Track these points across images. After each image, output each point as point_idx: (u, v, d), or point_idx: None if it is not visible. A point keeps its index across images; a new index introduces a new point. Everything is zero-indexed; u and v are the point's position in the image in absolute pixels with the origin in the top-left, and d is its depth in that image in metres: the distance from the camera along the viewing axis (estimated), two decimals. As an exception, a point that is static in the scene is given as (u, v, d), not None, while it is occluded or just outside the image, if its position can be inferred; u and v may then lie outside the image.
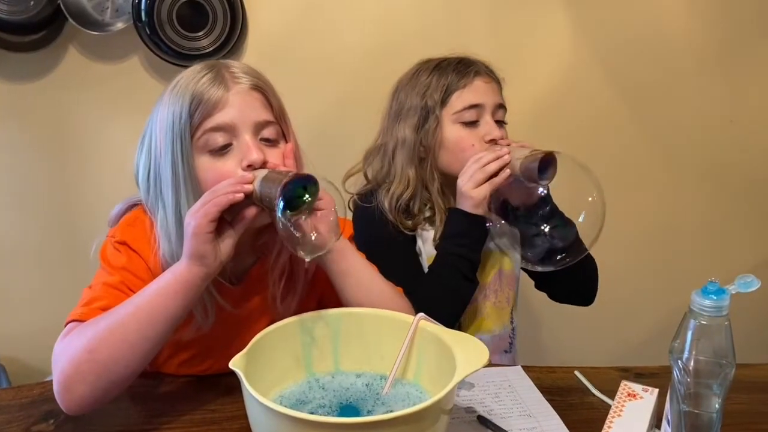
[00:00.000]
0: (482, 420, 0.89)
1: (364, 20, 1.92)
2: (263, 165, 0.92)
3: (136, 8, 1.76)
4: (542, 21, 1.97)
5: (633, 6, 1.98)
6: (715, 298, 0.66)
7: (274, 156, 0.95)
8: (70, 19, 1.76)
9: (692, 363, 0.67)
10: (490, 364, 0.77)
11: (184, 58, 1.78)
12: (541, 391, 0.98)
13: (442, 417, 0.72)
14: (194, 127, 0.92)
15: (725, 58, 2.05)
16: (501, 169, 1.15)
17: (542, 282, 1.38)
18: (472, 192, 1.15)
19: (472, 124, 1.23)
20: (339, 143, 1.97)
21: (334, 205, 0.90)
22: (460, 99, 1.22)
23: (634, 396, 0.87)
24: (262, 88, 0.99)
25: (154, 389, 0.98)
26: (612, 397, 0.90)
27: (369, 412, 0.81)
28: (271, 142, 0.97)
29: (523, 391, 0.98)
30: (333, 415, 0.80)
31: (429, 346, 0.85)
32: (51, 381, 1.03)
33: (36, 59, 1.86)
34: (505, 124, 1.29)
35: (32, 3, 1.72)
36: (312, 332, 0.88)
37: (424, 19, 1.93)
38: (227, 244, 0.87)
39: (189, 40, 1.79)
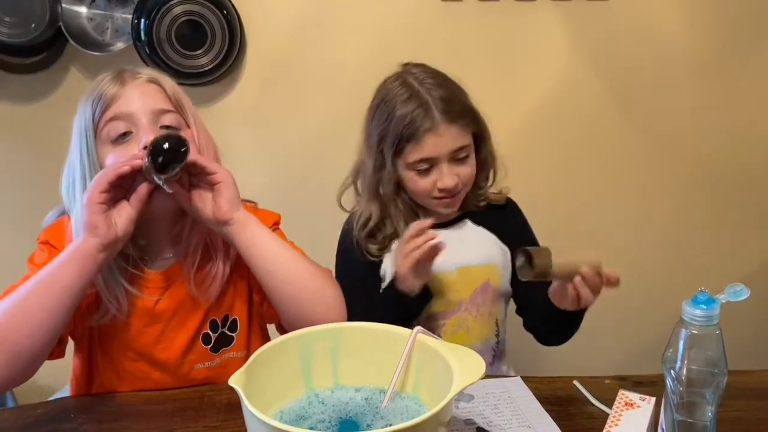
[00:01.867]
0: (482, 431, 0.90)
1: (361, 36, 1.94)
2: None
3: (135, 28, 1.79)
4: (537, 31, 1.99)
5: (627, 13, 2.00)
6: (705, 307, 0.67)
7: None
8: (71, 41, 1.78)
9: (685, 372, 0.68)
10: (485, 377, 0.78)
11: (184, 77, 1.80)
12: (541, 402, 0.98)
13: (440, 429, 0.73)
14: (96, 121, 1.00)
15: (721, 63, 2.07)
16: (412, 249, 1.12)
17: (524, 312, 1.35)
18: (397, 267, 1.16)
19: (426, 171, 1.21)
20: (336, 157, 1.98)
21: (231, 178, 0.99)
22: (413, 153, 1.20)
23: (632, 405, 0.88)
24: (157, 80, 1.05)
25: (157, 406, 0.99)
26: (611, 407, 0.90)
27: (368, 426, 0.81)
28: (173, 129, 1.02)
29: (523, 402, 0.99)
30: (332, 430, 0.81)
31: (427, 359, 0.85)
32: (54, 400, 1.06)
33: (38, 80, 1.89)
34: (466, 158, 1.23)
35: (33, 25, 1.74)
36: (311, 347, 0.89)
37: (420, 33, 1.95)
38: (124, 218, 0.94)
39: (188, 58, 1.81)
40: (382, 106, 1.25)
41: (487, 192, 1.34)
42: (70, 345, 1.07)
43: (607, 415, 0.89)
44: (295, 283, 1.02)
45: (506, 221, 1.34)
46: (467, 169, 1.23)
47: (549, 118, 2.05)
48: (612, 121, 2.07)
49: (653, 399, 0.89)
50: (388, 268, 1.29)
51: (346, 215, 1.36)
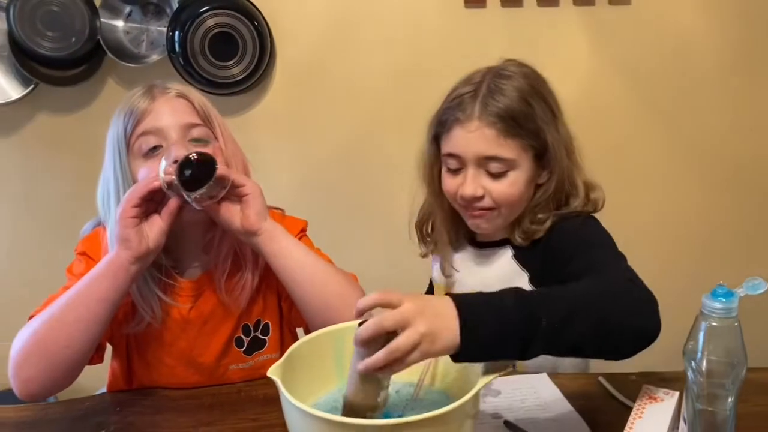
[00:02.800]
0: (509, 425, 0.93)
1: (387, 44, 1.98)
2: None
3: (170, 40, 1.86)
4: (561, 36, 2.01)
5: (651, 17, 2.01)
6: (723, 300, 0.69)
7: None
8: (109, 53, 1.86)
9: (705, 363, 0.70)
10: (512, 371, 0.81)
11: (216, 87, 1.86)
12: (566, 397, 1.01)
13: (467, 421, 0.76)
14: (128, 136, 1.03)
15: (746, 65, 2.07)
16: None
17: None
18: None
19: (455, 171, 1.09)
20: (364, 164, 2.03)
21: (259, 190, 1.02)
22: (445, 144, 1.10)
23: (655, 399, 0.90)
24: (186, 95, 1.08)
25: (197, 401, 1.04)
26: (635, 402, 0.92)
27: (399, 417, 0.85)
28: (202, 142, 1.05)
29: (549, 396, 1.01)
30: (366, 420, 0.84)
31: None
32: (100, 395, 1.11)
33: (77, 92, 1.96)
34: (504, 174, 1.07)
35: (74, 39, 1.82)
36: (343, 342, 0.93)
37: (445, 40, 1.98)
38: (155, 231, 0.97)
39: (221, 69, 1.87)
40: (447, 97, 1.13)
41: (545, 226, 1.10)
42: (108, 349, 1.12)
43: (632, 409, 0.91)
44: (322, 292, 1.04)
45: (548, 256, 1.10)
46: (502, 188, 1.06)
47: (573, 123, 2.06)
48: (637, 125, 2.08)
49: (677, 393, 0.91)
50: (435, 273, 1.25)
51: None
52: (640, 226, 2.13)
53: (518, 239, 1.11)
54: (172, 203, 0.97)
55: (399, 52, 1.98)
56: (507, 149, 1.05)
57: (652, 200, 2.14)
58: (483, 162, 1.06)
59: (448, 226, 1.17)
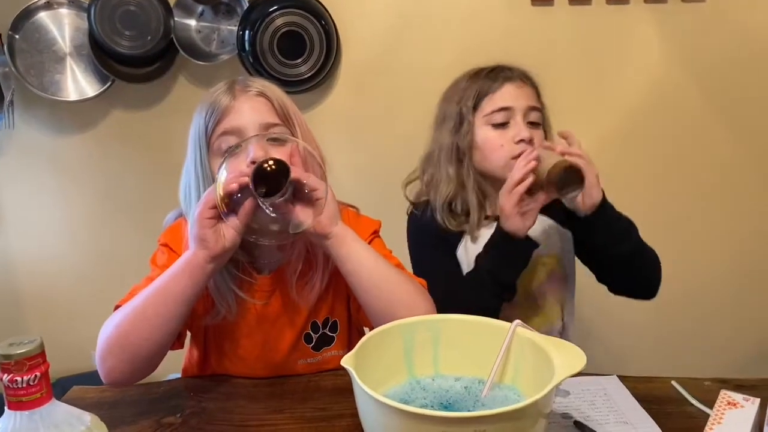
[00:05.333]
0: (579, 425, 0.92)
1: (453, 41, 1.99)
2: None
3: (240, 39, 1.90)
4: (631, 34, 1.98)
5: (724, 14, 1.96)
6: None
7: (278, 154, 1.02)
8: (182, 51, 1.92)
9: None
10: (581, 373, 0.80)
11: (284, 84, 1.86)
12: (638, 400, 0.99)
13: (540, 419, 0.76)
14: (210, 133, 1.06)
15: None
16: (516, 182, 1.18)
17: (601, 273, 1.37)
18: (502, 205, 1.19)
19: (502, 125, 1.27)
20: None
21: (330, 192, 1.02)
22: (490, 103, 1.28)
23: (735, 405, 0.87)
24: (266, 94, 1.09)
25: (267, 389, 1.07)
26: (711, 408, 0.90)
27: (469, 412, 0.85)
28: (279, 141, 1.06)
29: (620, 399, 1.00)
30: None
31: (526, 352, 0.88)
32: (176, 379, 1.15)
33: (150, 89, 2.03)
34: (539, 125, 1.31)
35: (149, 38, 1.89)
36: (413, 336, 0.94)
37: (511, 38, 1.97)
38: (231, 231, 0.97)
39: (288, 67, 1.91)
40: (460, 78, 1.37)
41: None
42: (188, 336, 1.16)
43: (707, 415, 0.89)
44: (389, 299, 1.04)
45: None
46: (540, 135, 1.29)
47: (644, 121, 2.02)
48: (710, 124, 2.03)
49: (758, 400, 0.88)
50: (463, 253, 1.32)
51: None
52: (712, 224, 2.08)
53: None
54: (248, 204, 0.98)
55: (464, 51, 1.96)
56: (540, 106, 1.31)
57: (725, 200, 2.07)
58: (528, 112, 1.28)
59: (481, 201, 1.31)
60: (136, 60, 1.94)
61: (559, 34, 1.97)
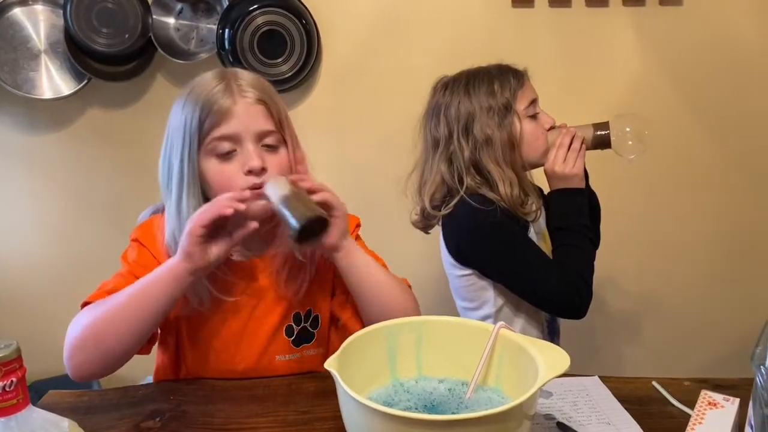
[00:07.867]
0: (562, 426, 0.92)
1: (433, 42, 1.99)
2: (262, 170, 1.04)
3: (219, 38, 1.88)
4: (610, 37, 1.99)
5: (701, 18, 1.99)
6: (796, 305, 0.67)
7: (273, 161, 1.07)
8: (160, 50, 1.89)
9: (774, 369, 0.69)
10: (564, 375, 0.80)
11: (264, 84, 1.88)
12: (619, 401, 0.99)
13: (525, 421, 0.76)
14: (203, 134, 1.05)
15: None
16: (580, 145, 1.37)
17: None
18: (573, 170, 1.36)
19: (534, 117, 1.40)
20: (410, 160, 2.03)
21: (345, 211, 1.06)
22: (523, 97, 1.38)
23: (715, 405, 0.88)
24: (264, 101, 1.09)
25: (248, 392, 1.05)
26: (691, 408, 0.91)
27: (453, 415, 0.84)
28: (272, 148, 1.08)
29: (601, 399, 1.00)
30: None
31: (509, 354, 0.88)
32: (153, 383, 1.13)
33: (127, 87, 2.01)
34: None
35: (127, 36, 1.86)
36: (396, 338, 0.93)
37: (491, 39, 1.98)
38: (220, 248, 1.00)
39: (269, 66, 1.90)
40: (471, 78, 1.43)
41: None
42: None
43: (688, 415, 0.90)
44: (387, 303, 1.09)
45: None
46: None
47: (621, 123, 2.03)
48: (687, 124, 2.05)
49: (737, 400, 0.89)
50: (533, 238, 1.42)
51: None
52: (688, 224, 2.10)
53: None
54: (251, 226, 1.00)
55: (444, 52, 1.98)
56: None
57: (701, 201, 2.10)
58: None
59: (533, 188, 1.43)
60: (113, 58, 1.91)
61: (539, 35, 1.98)
